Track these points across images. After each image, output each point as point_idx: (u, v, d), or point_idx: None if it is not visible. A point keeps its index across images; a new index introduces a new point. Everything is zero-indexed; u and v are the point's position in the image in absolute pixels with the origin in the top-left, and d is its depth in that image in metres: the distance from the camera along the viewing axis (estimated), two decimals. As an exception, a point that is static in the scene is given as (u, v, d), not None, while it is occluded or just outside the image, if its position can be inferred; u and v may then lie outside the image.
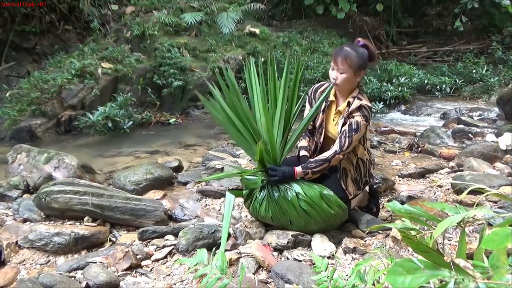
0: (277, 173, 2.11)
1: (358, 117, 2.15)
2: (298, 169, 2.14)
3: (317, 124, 2.39)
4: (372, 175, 2.39)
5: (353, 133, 2.13)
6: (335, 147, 2.15)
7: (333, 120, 2.33)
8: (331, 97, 2.33)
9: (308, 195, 2.05)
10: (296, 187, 2.08)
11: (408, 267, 0.89)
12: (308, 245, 2.08)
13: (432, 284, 0.97)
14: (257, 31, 7.72)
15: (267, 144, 2.12)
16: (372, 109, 2.24)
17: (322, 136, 2.36)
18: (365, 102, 2.20)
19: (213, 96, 2.20)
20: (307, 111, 2.36)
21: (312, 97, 2.41)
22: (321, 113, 2.35)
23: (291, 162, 2.32)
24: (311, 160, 2.18)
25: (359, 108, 2.16)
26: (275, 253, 2.04)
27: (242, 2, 8.36)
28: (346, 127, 2.16)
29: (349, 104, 2.21)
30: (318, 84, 2.46)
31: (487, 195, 1.43)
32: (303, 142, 2.46)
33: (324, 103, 2.30)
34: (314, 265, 1.30)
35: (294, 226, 2.13)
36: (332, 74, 2.21)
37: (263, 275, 1.85)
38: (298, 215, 2.08)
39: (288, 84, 2.19)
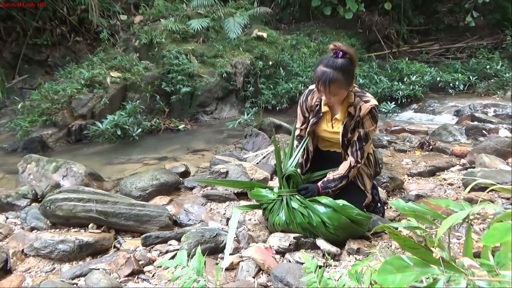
0: (309, 191, 2.18)
1: (367, 123, 2.12)
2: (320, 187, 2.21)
3: (306, 132, 2.33)
4: (378, 164, 2.44)
5: (364, 143, 2.16)
6: (349, 161, 2.18)
7: (332, 127, 2.26)
8: (324, 109, 2.23)
9: (337, 224, 2.00)
10: (322, 215, 2.02)
11: (398, 265, 0.85)
12: (311, 247, 2.03)
13: (425, 281, 0.92)
14: (265, 34, 7.71)
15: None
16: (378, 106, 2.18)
17: (314, 141, 2.39)
18: (372, 101, 2.12)
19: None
20: (299, 116, 2.36)
21: (304, 107, 2.32)
22: (310, 126, 2.29)
23: None
24: (330, 178, 2.21)
25: (370, 111, 2.09)
26: (277, 256, 2.00)
27: (248, 6, 8.37)
28: (356, 138, 2.16)
29: (353, 111, 2.13)
30: (308, 90, 2.32)
31: (490, 190, 1.36)
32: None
33: (315, 117, 2.27)
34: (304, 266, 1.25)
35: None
36: (325, 99, 2.12)
37: (263, 278, 1.81)
38: (323, 234, 2.05)
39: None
